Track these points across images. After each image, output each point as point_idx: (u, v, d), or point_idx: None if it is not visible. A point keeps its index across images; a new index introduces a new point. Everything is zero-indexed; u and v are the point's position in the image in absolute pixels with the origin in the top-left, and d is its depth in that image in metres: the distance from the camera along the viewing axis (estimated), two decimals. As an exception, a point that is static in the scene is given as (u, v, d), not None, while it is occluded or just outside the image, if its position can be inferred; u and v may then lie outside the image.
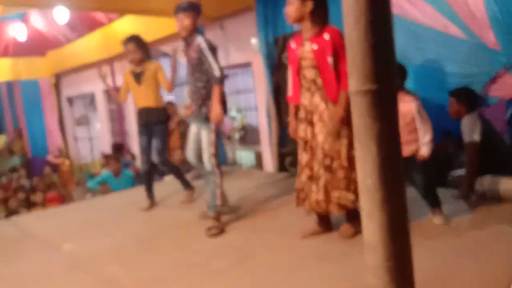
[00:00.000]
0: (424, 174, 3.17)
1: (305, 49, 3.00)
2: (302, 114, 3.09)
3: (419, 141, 3.19)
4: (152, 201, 4.56)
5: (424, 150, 3.26)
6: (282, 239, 3.26)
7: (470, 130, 3.54)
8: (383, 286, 0.84)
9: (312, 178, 3.06)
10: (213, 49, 3.51)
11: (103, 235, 3.86)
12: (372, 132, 0.82)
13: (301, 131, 3.10)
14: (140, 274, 2.92)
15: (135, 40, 4.37)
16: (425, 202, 3.23)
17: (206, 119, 3.58)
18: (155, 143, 4.37)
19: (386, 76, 0.83)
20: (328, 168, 2.97)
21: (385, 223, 0.83)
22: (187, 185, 4.65)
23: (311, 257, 2.85)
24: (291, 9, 2.94)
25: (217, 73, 3.45)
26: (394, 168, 0.83)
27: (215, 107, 3.47)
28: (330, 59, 2.88)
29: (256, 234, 3.43)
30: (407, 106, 3.11)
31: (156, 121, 4.38)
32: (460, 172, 3.96)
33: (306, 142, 3.07)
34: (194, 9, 3.67)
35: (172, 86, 4.46)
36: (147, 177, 4.51)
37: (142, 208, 4.50)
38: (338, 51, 2.89)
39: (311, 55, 2.96)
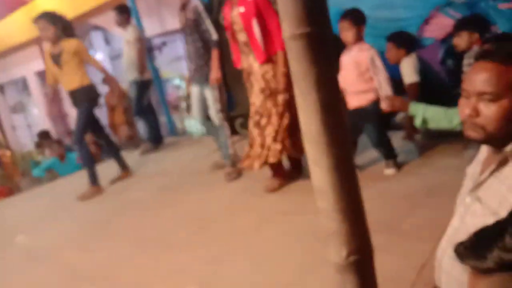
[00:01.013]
0: (378, 124, 3.21)
1: (234, 13, 3.08)
2: (245, 76, 3.20)
3: (375, 91, 3.20)
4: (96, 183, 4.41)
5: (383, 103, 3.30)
6: (241, 200, 3.29)
7: (411, 71, 3.63)
8: (336, 226, 0.86)
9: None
10: (208, 12, 3.63)
11: (56, 223, 3.75)
12: (311, 77, 0.81)
13: (249, 93, 3.21)
14: (98, 256, 2.87)
15: (46, 16, 4.10)
16: (379, 152, 3.28)
17: (209, 77, 3.72)
18: (76, 121, 4.27)
19: (320, 19, 0.81)
20: (257, 125, 3.09)
21: (332, 167, 0.84)
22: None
23: (269, 214, 2.90)
24: None
25: (214, 36, 3.60)
26: (336, 112, 0.83)
27: (214, 70, 3.62)
28: (254, 21, 2.94)
29: (215, 199, 3.43)
30: (363, 55, 3.12)
31: (82, 100, 4.22)
32: (403, 114, 4.08)
33: (253, 103, 3.15)
34: None
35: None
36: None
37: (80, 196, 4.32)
38: (263, 12, 2.94)
39: (239, 19, 3.04)
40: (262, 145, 3.08)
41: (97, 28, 7.97)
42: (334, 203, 0.88)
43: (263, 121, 3.07)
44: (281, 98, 3.02)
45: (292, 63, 0.84)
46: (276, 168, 3.26)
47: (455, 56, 3.90)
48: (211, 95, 3.79)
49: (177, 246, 2.74)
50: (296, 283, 2.01)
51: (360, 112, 3.15)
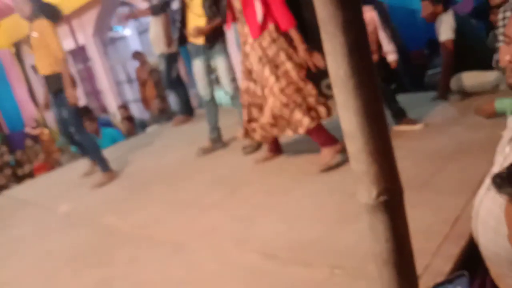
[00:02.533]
0: (385, 84, 3.22)
1: None
2: (241, 42, 3.11)
3: (383, 50, 3.20)
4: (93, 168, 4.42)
5: (392, 57, 3.30)
6: (270, 164, 3.34)
7: (446, 28, 3.53)
8: (366, 168, 0.89)
9: (256, 105, 3.11)
10: None
11: (94, 192, 3.91)
12: (337, 21, 0.83)
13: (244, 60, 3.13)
14: (135, 219, 3.01)
15: None
16: (390, 112, 3.25)
17: (221, 47, 3.77)
18: (64, 114, 3.91)
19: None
20: (254, 94, 3.07)
21: (360, 109, 0.86)
22: (104, 166, 4.11)
23: (298, 176, 2.94)
24: None
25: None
26: (364, 55, 0.85)
27: (203, 29, 3.65)
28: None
29: (245, 165, 3.50)
30: (368, 16, 3.08)
31: (56, 89, 3.79)
32: (436, 72, 4.01)
33: (249, 72, 3.11)
34: None
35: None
36: (81, 148, 4.27)
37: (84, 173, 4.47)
38: None
39: None
40: (275, 117, 2.92)
41: (124, 3, 8.03)
42: (363, 145, 0.90)
43: (264, 90, 2.95)
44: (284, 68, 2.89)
45: (318, 8, 0.86)
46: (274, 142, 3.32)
47: (489, 10, 3.78)
48: (224, 65, 3.78)
49: (211, 207, 2.83)
50: (330, 237, 2.06)
51: None
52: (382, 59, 3.59)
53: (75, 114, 3.86)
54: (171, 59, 5.62)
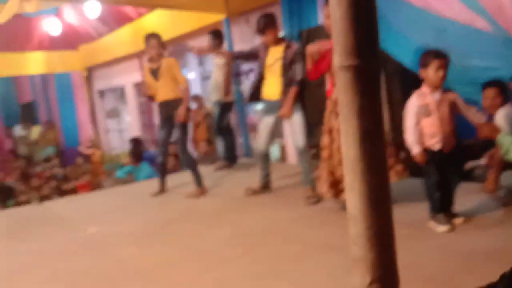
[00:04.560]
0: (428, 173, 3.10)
1: None
2: (330, 107, 3.45)
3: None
4: (162, 188, 4.88)
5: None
6: (295, 228, 3.31)
7: (507, 123, 3.42)
8: (363, 253, 0.89)
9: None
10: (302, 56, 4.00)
11: (124, 220, 4.03)
12: (354, 107, 0.86)
13: (332, 120, 3.39)
14: (154, 255, 3.04)
15: (156, 37, 4.73)
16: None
17: (298, 105, 4.06)
18: (177, 134, 4.68)
19: (368, 52, 0.86)
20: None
21: (365, 194, 0.87)
22: (199, 182, 4.72)
23: (319, 246, 2.88)
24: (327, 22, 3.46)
25: (299, 77, 3.99)
26: (375, 141, 0.87)
27: (289, 105, 4.00)
28: None
29: (270, 222, 3.49)
30: (450, 97, 3.08)
31: (175, 111, 4.62)
32: (481, 163, 3.86)
33: (329, 131, 3.38)
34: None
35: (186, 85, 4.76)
36: (161, 168, 4.90)
37: (151, 193, 4.82)
38: None
39: None
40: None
41: (191, 50, 8.48)
42: (364, 229, 0.90)
43: None
44: None
45: (339, 91, 0.90)
46: None
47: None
48: (299, 122, 4.05)
49: (225, 261, 2.82)
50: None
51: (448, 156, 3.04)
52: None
53: (184, 135, 4.68)
54: (225, 107, 5.84)
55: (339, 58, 0.87)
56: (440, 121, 2.99)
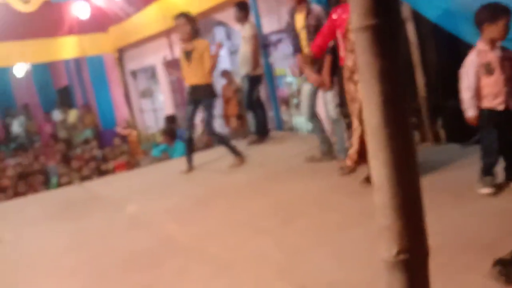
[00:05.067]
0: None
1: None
2: (346, 74, 3.26)
3: None
4: (190, 166, 4.85)
5: None
6: (332, 197, 3.29)
7: None
8: (389, 223, 0.85)
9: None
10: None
11: (161, 197, 4.11)
12: (374, 69, 0.81)
13: (351, 89, 3.27)
14: (193, 230, 3.10)
15: (185, 15, 4.65)
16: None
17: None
18: (204, 115, 4.74)
19: (387, 11, 0.80)
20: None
21: (389, 161, 0.83)
22: (236, 152, 4.80)
23: (359, 215, 2.85)
24: None
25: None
26: (398, 105, 0.82)
27: (326, 75, 3.88)
28: None
29: (307, 193, 3.48)
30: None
31: (203, 96, 4.68)
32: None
33: (352, 99, 3.24)
34: None
35: (212, 71, 4.72)
36: (188, 143, 4.89)
37: (181, 171, 4.82)
38: None
39: None
40: None
41: (220, 23, 8.41)
42: (389, 198, 0.86)
43: None
44: None
45: (358, 54, 0.85)
46: None
47: None
48: (331, 91, 3.95)
49: (263, 232, 2.84)
50: (379, 282, 1.96)
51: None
52: None
53: (209, 116, 4.73)
54: (254, 81, 5.77)
55: (357, 19, 0.82)
56: (505, 79, 2.80)
